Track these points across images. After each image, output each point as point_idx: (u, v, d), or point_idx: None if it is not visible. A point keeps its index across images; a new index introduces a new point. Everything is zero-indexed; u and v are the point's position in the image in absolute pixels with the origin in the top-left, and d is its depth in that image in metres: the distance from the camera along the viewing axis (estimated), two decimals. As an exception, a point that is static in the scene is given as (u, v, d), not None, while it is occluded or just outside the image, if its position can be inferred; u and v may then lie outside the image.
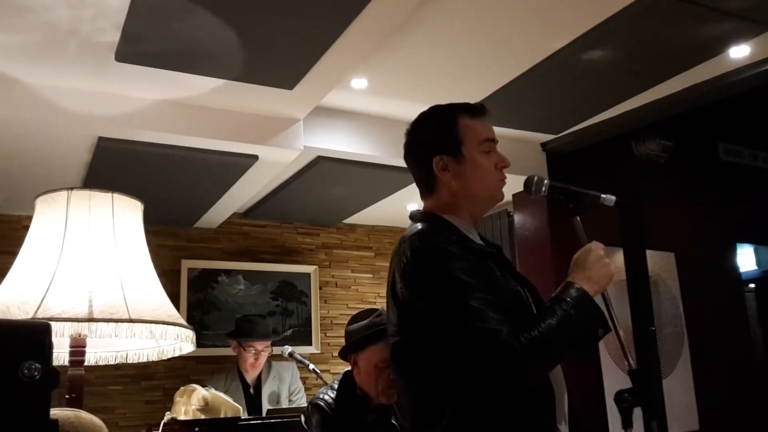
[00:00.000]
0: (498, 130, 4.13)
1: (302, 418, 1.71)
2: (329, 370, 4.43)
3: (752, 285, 5.36)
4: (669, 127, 4.14)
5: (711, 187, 4.57)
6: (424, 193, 1.63)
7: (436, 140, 1.58)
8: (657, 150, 4.21)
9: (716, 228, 4.56)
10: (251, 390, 3.65)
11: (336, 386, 1.67)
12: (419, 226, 1.52)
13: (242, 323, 3.78)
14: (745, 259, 5.31)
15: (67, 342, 1.94)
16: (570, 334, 1.38)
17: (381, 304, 3.02)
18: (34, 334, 1.02)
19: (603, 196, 1.66)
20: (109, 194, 2.05)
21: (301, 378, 3.86)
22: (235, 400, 3.51)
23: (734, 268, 4.70)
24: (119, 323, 1.84)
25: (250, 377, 3.68)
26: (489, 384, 1.36)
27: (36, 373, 0.97)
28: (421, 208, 1.64)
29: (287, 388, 3.69)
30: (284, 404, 3.60)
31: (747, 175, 4.73)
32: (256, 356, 3.63)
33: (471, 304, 1.35)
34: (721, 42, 2.82)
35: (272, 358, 3.77)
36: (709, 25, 2.68)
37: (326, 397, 1.67)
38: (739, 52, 2.90)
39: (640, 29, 2.69)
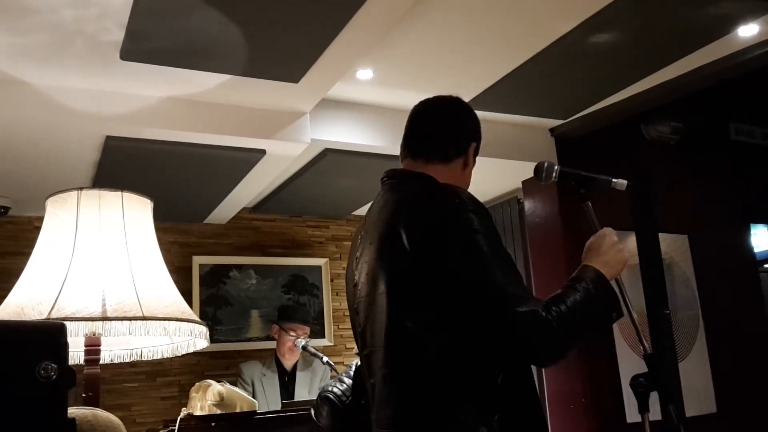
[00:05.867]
0: (506, 117, 4.12)
1: (312, 411, 1.71)
2: (343, 362, 4.44)
3: (767, 265, 5.31)
4: (679, 109, 4.11)
5: (723, 167, 4.53)
6: (435, 159, 1.58)
7: (478, 133, 1.68)
8: (667, 132, 4.17)
9: (729, 209, 4.52)
10: (286, 377, 3.78)
11: (344, 378, 1.67)
12: (456, 189, 1.47)
13: (284, 309, 4.03)
14: (760, 239, 5.25)
15: (81, 341, 1.95)
16: (593, 311, 1.38)
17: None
18: (49, 335, 1.03)
19: (614, 180, 1.65)
20: (119, 193, 2.06)
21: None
22: (271, 384, 3.70)
23: (748, 248, 4.66)
24: (133, 321, 1.84)
25: (288, 364, 3.79)
26: (523, 357, 1.36)
27: (52, 373, 0.97)
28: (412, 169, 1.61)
29: (318, 381, 3.78)
30: (314, 393, 3.68)
31: (759, 155, 4.69)
32: (295, 340, 3.71)
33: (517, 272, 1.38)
34: (728, 21, 2.79)
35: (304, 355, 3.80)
36: (716, 4, 2.64)
37: (336, 390, 1.67)
38: (748, 31, 2.87)
39: (647, 11, 2.66)
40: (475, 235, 1.35)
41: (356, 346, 1.61)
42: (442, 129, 1.64)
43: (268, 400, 3.58)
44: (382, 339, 1.44)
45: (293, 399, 3.60)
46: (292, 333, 3.73)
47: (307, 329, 3.82)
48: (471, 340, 1.34)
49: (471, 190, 1.65)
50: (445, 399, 1.34)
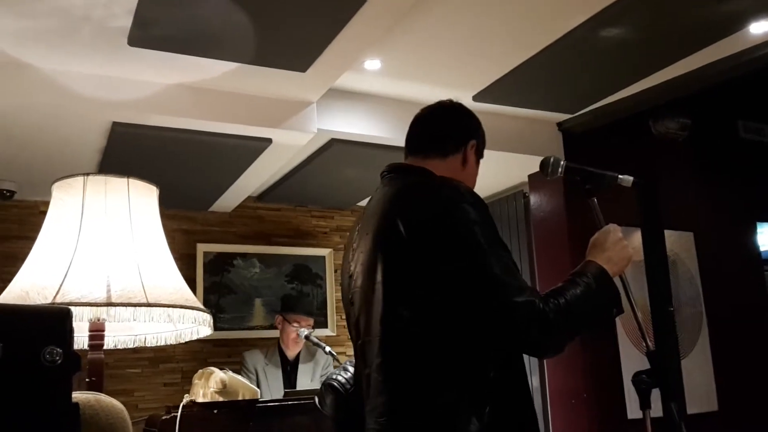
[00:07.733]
0: (513, 110, 4.10)
1: (316, 399, 1.72)
2: (345, 353, 4.45)
3: (772, 264, 5.29)
4: (687, 105, 4.08)
5: (730, 165, 4.50)
6: (433, 154, 1.60)
7: (479, 133, 1.69)
8: (675, 128, 4.15)
9: (736, 207, 4.50)
10: (288, 367, 3.79)
11: (349, 366, 1.68)
12: (453, 181, 1.47)
13: (288, 299, 4.05)
14: (766, 238, 5.23)
15: (85, 326, 1.96)
16: (592, 306, 1.39)
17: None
18: (55, 320, 1.03)
19: (620, 176, 1.65)
20: (125, 179, 2.06)
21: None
22: (273, 373, 3.72)
23: (754, 247, 4.64)
24: (137, 307, 1.85)
25: (291, 354, 3.81)
26: (519, 348, 1.37)
27: (57, 358, 0.98)
28: (409, 162, 1.62)
29: (321, 371, 3.80)
30: (316, 383, 3.72)
31: (767, 153, 4.66)
32: (297, 331, 3.73)
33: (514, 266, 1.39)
34: (740, 18, 2.77)
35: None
36: (727, 1, 2.62)
37: (340, 378, 1.68)
38: (759, 28, 2.84)
39: (658, 6, 2.64)
40: (472, 226, 1.36)
41: (350, 337, 1.62)
42: (439, 125, 1.66)
43: (270, 390, 3.59)
44: (378, 328, 1.44)
45: (295, 387, 3.62)
46: (295, 324, 3.73)
47: (311, 320, 3.82)
48: (466, 331, 1.35)
49: (477, 182, 1.65)
50: (438, 389, 1.35)
